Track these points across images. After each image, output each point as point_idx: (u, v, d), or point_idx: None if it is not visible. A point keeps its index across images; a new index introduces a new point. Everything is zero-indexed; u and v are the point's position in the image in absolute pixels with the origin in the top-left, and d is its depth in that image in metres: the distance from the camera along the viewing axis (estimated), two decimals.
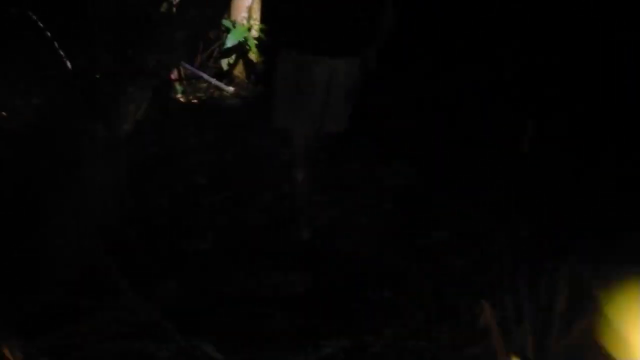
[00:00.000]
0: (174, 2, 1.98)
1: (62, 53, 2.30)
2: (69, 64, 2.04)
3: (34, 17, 2.46)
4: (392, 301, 2.04)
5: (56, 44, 2.09)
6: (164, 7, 1.93)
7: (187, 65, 3.33)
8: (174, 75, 2.77)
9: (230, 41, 3.66)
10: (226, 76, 3.56)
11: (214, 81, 3.52)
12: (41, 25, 2.34)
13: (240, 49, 3.74)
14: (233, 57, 3.80)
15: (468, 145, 3.23)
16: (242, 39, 3.70)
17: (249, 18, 3.98)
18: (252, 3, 4.04)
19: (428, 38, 3.79)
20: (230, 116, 3.08)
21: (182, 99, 3.39)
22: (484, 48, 3.68)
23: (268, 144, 2.95)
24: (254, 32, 3.91)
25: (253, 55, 3.91)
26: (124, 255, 2.01)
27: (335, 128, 2.53)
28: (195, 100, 3.35)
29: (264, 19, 3.95)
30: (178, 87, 3.51)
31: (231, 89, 3.59)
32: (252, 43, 3.85)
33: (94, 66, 2.00)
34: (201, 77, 3.53)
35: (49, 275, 1.87)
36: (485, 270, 2.21)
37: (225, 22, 3.80)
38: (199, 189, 2.53)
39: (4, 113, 2.77)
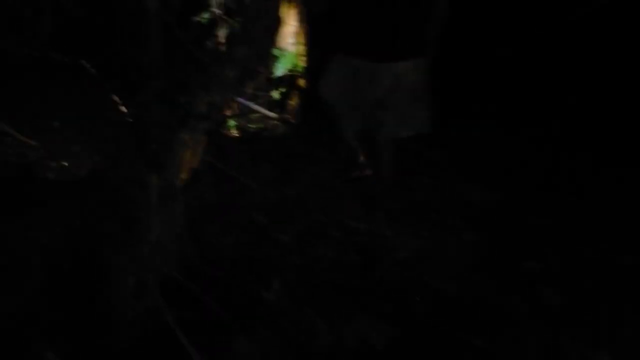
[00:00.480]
0: (220, 41, 1.90)
1: (117, 100, 2.30)
2: (123, 112, 2.01)
3: (88, 65, 2.50)
4: (488, 351, 1.83)
5: (111, 93, 2.09)
6: (209, 46, 1.84)
7: (239, 99, 3.27)
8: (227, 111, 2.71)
9: (280, 70, 3.57)
10: (279, 106, 3.47)
11: (266, 112, 3.44)
12: (94, 72, 2.36)
13: (291, 77, 3.65)
14: (284, 85, 3.74)
15: (562, 158, 2.98)
16: (291, 66, 3.62)
17: (296, 43, 3.89)
18: (298, 28, 3.96)
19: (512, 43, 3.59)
20: (286, 148, 2.96)
21: (236, 134, 3.32)
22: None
23: (329, 175, 2.82)
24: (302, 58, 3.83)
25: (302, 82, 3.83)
26: (188, 310, 1.91)
27: (411, 131, 2.45)
28: (249, 134, 3.27)
29: (311, 43, 3.86)
30: (231, 122, 3.47)
31: (285, 117, 3.49)
32: (301, 69, 3.76)
33: (144, 114, 1.94)
34: (253, 109, 3.47)
35: (113, 338, 1.79)
36: (591, 309, 1.97)
37: (273, 51, 3.74)
38: (261, 230, 2.41)
39: (65, 163, 2.80)
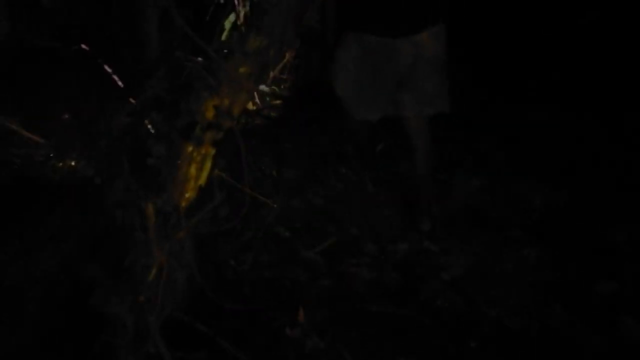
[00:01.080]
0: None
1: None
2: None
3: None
4: None
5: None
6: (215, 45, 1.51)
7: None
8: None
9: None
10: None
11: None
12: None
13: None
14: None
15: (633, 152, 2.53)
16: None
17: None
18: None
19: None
20: (309, 145, 2.59)
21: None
22: None
23: (358, 177, 2.47)
24: None
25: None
26: (198, 353, 1.64)
27: (435, 110, 2.08)
28: (261, 127, 2.92)
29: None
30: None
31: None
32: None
33: (140, 123, 1.65)
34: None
35: None
36: None
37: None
38: (285, 247, 2.11)
39: (72, 163, 2.56)
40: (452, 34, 2.10)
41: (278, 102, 2.76)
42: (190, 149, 1.58)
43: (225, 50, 1.58)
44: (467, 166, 2.54)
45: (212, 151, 1.59)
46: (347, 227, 2.13)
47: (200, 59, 1.55)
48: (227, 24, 1.81)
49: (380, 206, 2.22)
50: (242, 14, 2.02)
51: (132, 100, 1.90)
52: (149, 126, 1.60)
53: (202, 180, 1.63)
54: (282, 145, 2.44)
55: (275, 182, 2.18)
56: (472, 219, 2.21)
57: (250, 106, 2.48)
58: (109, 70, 2.32)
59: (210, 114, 1.57)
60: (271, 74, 1.81)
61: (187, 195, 1.63)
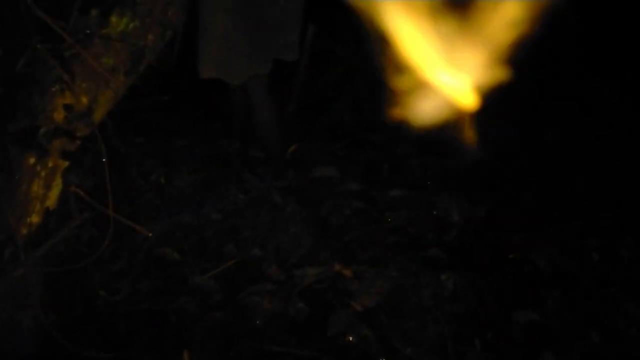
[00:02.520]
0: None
1: None
2: None
3: None
4: None
5: None
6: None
7: None
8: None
9: None
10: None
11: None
12: None
13: None
14: None
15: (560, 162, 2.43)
16: None
17: None
18: None
19: None
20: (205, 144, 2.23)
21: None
22: None
23: (262, 184, 2.18)
24: None
25: None
26: None
27: (288, 55, 2.02)
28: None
29: None
30: None
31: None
32: None
33: None
34: None
35: None
36: None
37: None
38: (172, 273, 1.77)
39: None
40: None
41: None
42: (31, 161, 1.22)
43: (86, 33, 1.23)
44: (385, 174, 2.37)
45: (64, 164, 1.24)
46: (248, 246, 1.82)
47: (49, 43, 1.19)
48: None
49: (288, 222, 1.96)
50: None
51: None
52: None
53: (51, 201, 1.28)
54: (174, 144, 2.07)
55: (162, 193, 1.85)
56: (389, 236, 2.03)
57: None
58: None
59: (59, 115, 1.21)
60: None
61: (29, 219, 1.27)
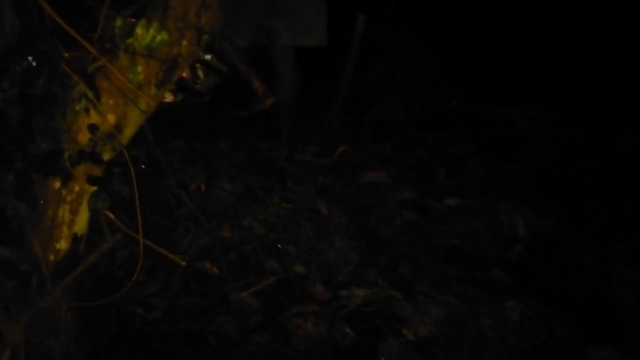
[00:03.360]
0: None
1: None
2: None
3: None
4: None
5: None
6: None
7: None
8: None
9: None
10: None
11: None
12: None
13: None
14: None
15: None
16: None
17: None
18: None
19: None
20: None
21: None
22: None
23: (302, 192, 2.05)
24: None
25: None
26: None
27: (312, 41, 1.91)
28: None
29: None
30: None
31: None
32: None
33: None
34: None
35: None
36: None
37: None
38: (211, 285, 1.68)
39: None
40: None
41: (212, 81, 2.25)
42: (56, 185, 1.13)
43: (109, 44, 1.11)
44: (439, 180, 2.18)
45: (90, 188, 1.14)
46: (291, 262, 1.72)
47: (70, 54, 1.08)
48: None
49: (333, 235, 1.83)
50: None
51: None
52: None
53: (79, 226, 1.19)
54: (214, 147, 1.94)
55: (201, 203, 1.74)
56: (445, 253, 1.86)
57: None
58: None
59: (84, 137, 1.11)
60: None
61: (57, 246, 1.19)
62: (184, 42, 1.22)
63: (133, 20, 1.01)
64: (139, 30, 1.01)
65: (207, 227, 1.67)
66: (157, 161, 1.65)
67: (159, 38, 1.13)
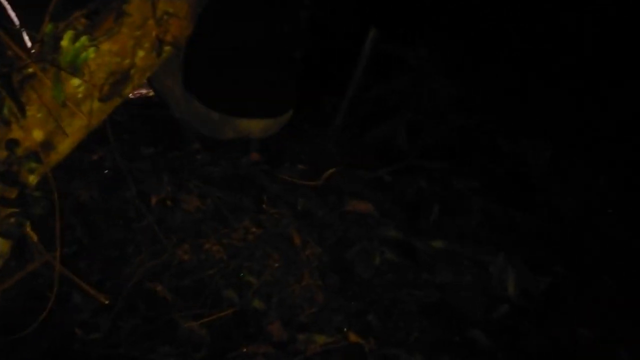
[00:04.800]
0: None
1: None
2: None
3: None
4: None
5: None
6: None
7: None
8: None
9: None
10: None
11: None
12: None
13: None
14: None
15: None
16: None
17: None
18: None
19: None
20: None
21: None
22: None
23: (277, 215, 1.88)
24: None
25: None
26: None
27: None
28: None
29: None
30: None
31: None
32: None
33: None
34: None
35: None
36: None
37: None
38: (161, 308, 1.55)
39: None
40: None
41: None
42: None
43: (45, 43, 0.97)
44: (432, 217, 2.00)
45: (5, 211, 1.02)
46: (251, 295, 1.58)
47: None
48: None
49: (303, 268, 1.68)
50: None
51: None
52: None
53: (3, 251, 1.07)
54: (189, 157, 1.78)
55: (163, 219, 1.62)
56: (423, 305, 1.68)
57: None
58: None
59: (1, 154, 0.99)
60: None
61: None
62: (140, 53, 1.09)
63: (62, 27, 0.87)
64: (63, 43, 0.88)
65: (164, 246, 1.56)
66: (118, 169, 1.53)
67: (106, 47, 1.00)
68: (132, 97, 1.91)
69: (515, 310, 1.69)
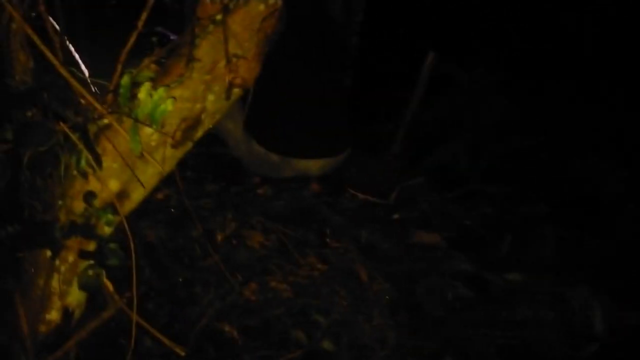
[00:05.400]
0: None
1: None
2: None
3: None
4: None
5: None
6: None
7: None
8: None
9: None
10: None
11: None
12: None
13: None
14: None
15: None
16: None
17: None
18: None
19: None
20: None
21: None
22: None
23: (342, 249, 1.83)
24: None
25: None
26: None
27: None
28: None
29: None
30: None
31: None
32: None
33: None
34: None
35: None
36: None
37: None
38: (229, 350, 1.52)
39: None
40: None
41: None
42: (48, 254, 1.01)
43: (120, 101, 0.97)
44: (504, 248, 1.89)
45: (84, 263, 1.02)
46: (319, 335, 1.54)
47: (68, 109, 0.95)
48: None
49: (372, 307, 1.62)
50: None
51: None
52: None
53: (73, 298, 1.07)
54: (251, 192, 1.79)
55: (228, 257, 1.59)
56: (501, 345, 1.56)
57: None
58: None
59: (79, 206, 0.99)
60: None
61: (47, 316, 1.08)
62: (210, 97, 1.08)
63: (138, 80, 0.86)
64: (141, 96, 0.87)
65: (230, 285, 1.53)
66: (182, 209, 1.53)
67: (178, 94, 0.99)
68: None
69: (605, 349, 1.57)
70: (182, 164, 1.77)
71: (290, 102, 1.69)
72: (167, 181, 1.60)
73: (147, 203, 1.63)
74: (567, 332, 1.58)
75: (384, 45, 2.72)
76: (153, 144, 0.97)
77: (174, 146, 1.02)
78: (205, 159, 1.77)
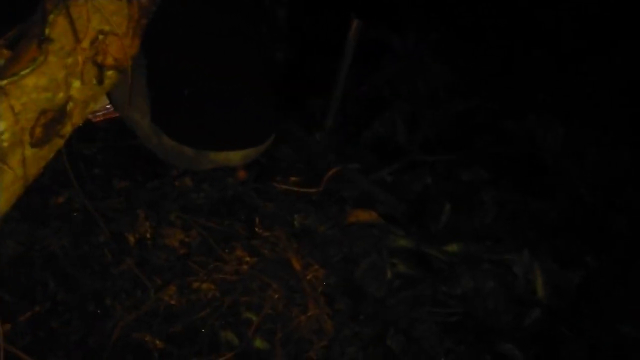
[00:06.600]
0: None
1: None
2: None
3: None
4: None
5: None
6: None
7: None
8: None
9: None
10: None
11: None
12: None
13: None
14: None
15: None
16: None
17: None
18: None
19: None
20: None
21: None
22: None
23: (275, 240, 1.68)
24: None
25: None
26: None
27: None
28: None
29: None
30: None
31: None
32: None
33: None
34: None
35: None
36: None
37: None
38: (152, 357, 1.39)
39: None
40: None
41: None
42: None
43: None
44: (444, 218, 1.81)
45: None
46: (251, 334, 1.39)
47: None
48: None
49: (307, 296, 1.48)
50: None
51: None
52: None
53: None
54: (169, 183, 1.58)
55: (142, 259, 1.46)
56: (445, 320, 1.49)
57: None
58: None
59: None
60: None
61: None
62: (76, 84, 0.93)
63: None
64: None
65: (148, 290, 1.40)
66: (86, 212, 1.37)
67: (31, 82, 0.84)
68: (102, 124, 1.76)
69: (548, 313, 1.54)
70: (86, 160, 1.64)
71: (202, 85, 1.50)
72: (67, 182, 1.46)
73: (45, 208, 1.48)
74: (510, 299, 1.55)
75: (318, 12, 2.57)
76: (5, 144, 0.82)
77: (35, 145, 0.87)
78: (115, 154, 1.60)
